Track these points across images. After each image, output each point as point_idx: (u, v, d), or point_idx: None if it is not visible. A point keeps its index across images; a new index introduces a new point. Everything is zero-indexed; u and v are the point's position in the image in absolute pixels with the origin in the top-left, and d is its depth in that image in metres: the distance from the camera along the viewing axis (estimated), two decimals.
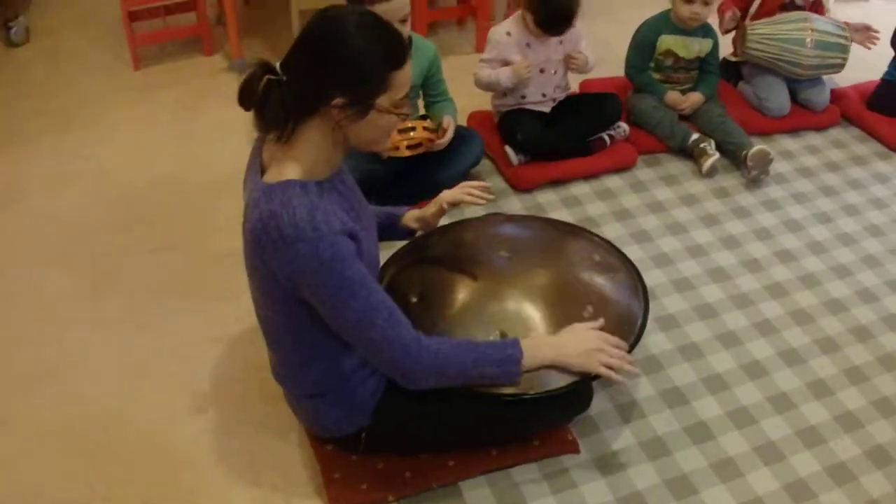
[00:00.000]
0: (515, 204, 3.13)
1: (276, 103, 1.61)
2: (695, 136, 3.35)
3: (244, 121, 3.37)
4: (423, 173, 2.96)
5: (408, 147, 2.82)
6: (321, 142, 1.68)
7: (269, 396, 2.31)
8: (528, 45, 3.12)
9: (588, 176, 3.28)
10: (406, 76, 1.65)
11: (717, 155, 3.28)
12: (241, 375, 2.42)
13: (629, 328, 2.07)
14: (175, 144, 3.42)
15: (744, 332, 2.65)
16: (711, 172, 3.29)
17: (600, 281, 2.17)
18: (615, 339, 1.91)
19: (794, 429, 2.36)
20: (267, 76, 1.62)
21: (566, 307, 2.05)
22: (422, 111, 3.11)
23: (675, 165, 3.39)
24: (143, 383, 2.39)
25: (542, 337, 1.93)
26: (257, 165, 1.73)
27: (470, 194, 2.17)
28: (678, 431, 2.32)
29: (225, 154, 3.32)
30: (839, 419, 2.39)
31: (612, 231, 3.01)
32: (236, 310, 2.58)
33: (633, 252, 2.90)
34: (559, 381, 1.89)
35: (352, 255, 1.63)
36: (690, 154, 3.38)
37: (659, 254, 2.94)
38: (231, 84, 3.75)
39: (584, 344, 1.87)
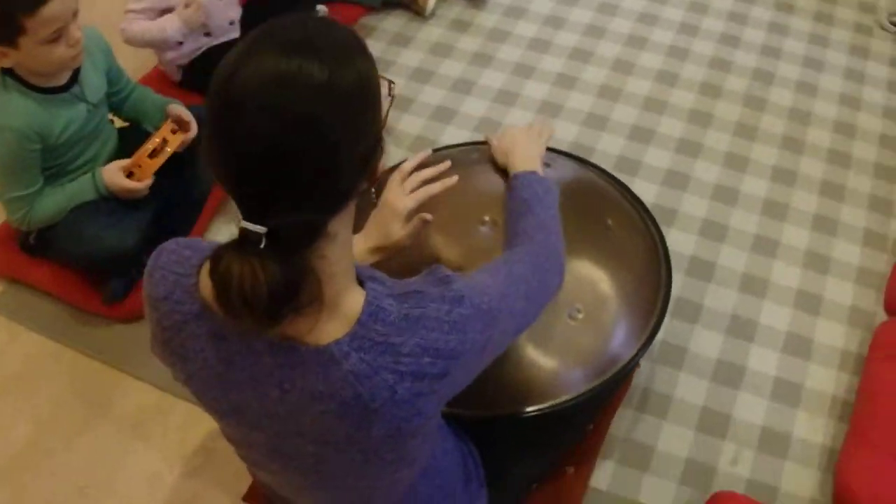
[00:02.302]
0: None
1: (297, 272, 0.93)
2: None
3: None
4: (187, 180, 2.21)
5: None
6: (349, 235, 1.06)
7: None
8: None
9: None
10: None
11: None
12: None
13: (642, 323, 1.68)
14: None
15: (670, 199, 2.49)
16: (435, 9, 2.93)
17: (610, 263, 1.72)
18: (535, 130, 1.73)
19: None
20: (246, 251, 0.91)
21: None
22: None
23: (390, 22, 2.97)
24: None
25: (511, 161, 1.65)
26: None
27: (432, 183, 1.57)
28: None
29: None
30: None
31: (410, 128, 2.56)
32: None
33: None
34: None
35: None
36: (398, 3, 2.96)
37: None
38: None
39: (527, 149, 1.67)
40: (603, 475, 1.88)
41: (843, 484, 1.83)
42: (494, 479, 1.53)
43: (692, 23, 2.92)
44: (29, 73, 1.87)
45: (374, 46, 2.84)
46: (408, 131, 2.57)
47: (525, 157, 1.61)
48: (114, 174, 2.02)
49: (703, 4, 3.00)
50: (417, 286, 1.05)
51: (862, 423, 1.92)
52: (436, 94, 2.69)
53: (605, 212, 1.74)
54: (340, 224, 0.99)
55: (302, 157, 0.89)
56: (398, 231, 1.46)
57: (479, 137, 2.48)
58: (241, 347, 1.03)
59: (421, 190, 1.50)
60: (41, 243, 2.11)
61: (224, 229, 2.33)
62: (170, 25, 2.35)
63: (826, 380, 2.04)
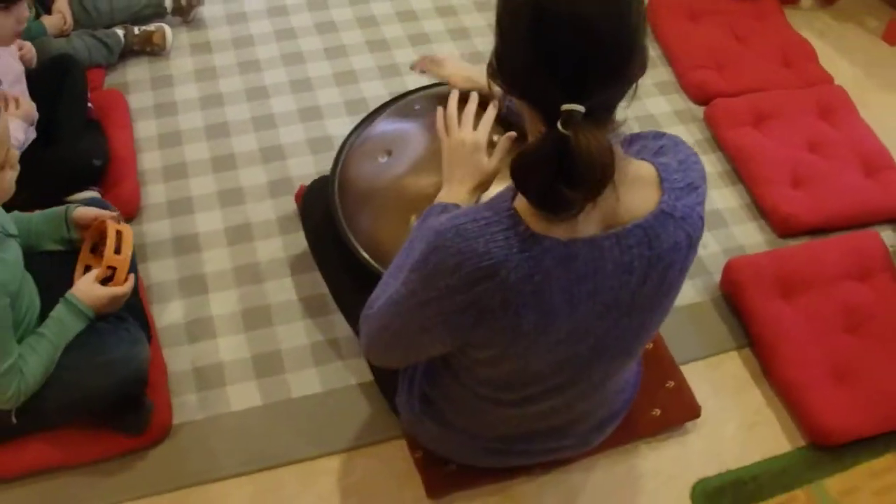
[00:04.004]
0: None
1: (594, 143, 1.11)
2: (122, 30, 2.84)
3: None
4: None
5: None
6: None
7: None
8: None
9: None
10: None
11: (166, 30, 2.86)
12: None
13: None
14: None
15: None
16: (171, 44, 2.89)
17: None
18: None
19: None
20: (580, 127, 1.09)
21: None
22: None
23: (135, 72, 2.84)
24: None
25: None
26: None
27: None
28: None
29: None
30: None
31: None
32: None
33: None
34: None
35: None
36: (130, 51, 2.86)
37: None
38: None
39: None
40: None
41: (784, 216, 2.40)
42: None
43: None
44: None
45: (141, 98, 2.75)
46: (245, 149, 2.59)
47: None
48: (92, 288, 1.83)
49: None
50: (658, 144, 1.31)
51: (755, 173, 2.52)
52: (241, 110, 2.71)
53: None
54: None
55: (616, 39, 1.08)
56: (489, 162, 1.57)
57: (323, 128, 2.66)
58: (592, 256, 1.21)
59: (483, 120, 1.62)
60: (27, 416, 1.81)
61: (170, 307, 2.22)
62: (15, 130, 2.07)
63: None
